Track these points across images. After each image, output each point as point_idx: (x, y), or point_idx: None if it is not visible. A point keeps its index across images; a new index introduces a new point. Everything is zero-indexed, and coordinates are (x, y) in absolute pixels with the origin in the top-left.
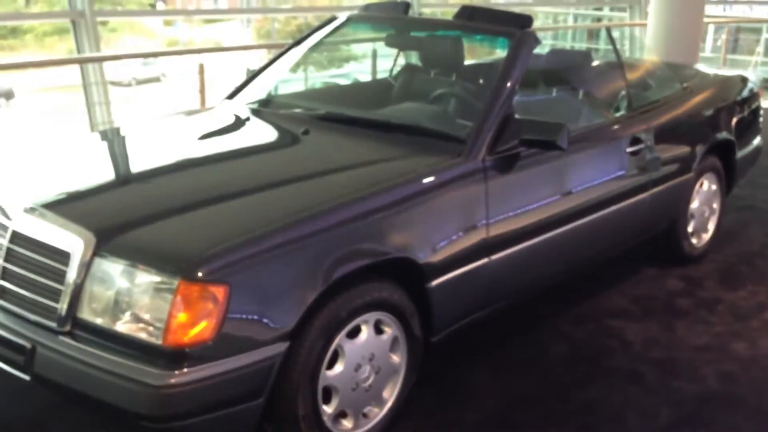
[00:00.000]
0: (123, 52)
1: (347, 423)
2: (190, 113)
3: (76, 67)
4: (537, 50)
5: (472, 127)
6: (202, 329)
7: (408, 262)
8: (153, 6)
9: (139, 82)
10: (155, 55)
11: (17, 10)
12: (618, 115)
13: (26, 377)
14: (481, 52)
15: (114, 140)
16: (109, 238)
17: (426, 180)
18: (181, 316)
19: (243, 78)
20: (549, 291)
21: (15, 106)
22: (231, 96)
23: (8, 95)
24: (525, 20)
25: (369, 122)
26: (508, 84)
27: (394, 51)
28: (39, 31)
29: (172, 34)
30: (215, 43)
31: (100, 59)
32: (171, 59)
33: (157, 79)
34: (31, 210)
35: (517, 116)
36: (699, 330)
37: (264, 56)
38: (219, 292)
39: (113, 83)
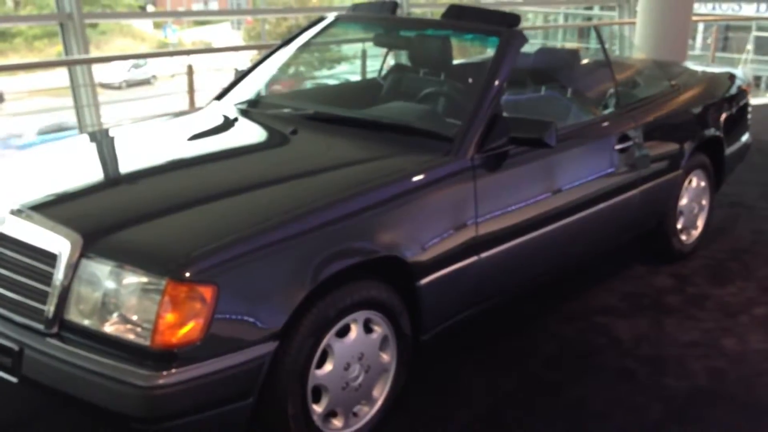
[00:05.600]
0: (113, 54)
1: (337, 422)
2: (178, 114)
3: (65, 70)
4: (526, 49)
5: (460, 126)
6: (190, 329)
7: (396, 260)
8: (142, 8)
9: (130, 85)
10: (145, 56)
11: (5, 13)
12: (606, 112)
13: (14, 379)
14: (470, 52)
15: (101, 142)
16: (96, 240)
17: (414, 179)
18: (169, 317)
19: (232, 79)
20: (538, 289)
21: (4, 109)
22: (219, 97)
23: None
24: (512, 19)
25: (357, 121)
26: (496, 82)
27: (383, 51)
28: (28, 35)
29: (162, 36)
30: (205, 44)
31: (89, 61)
32: (161, 62)
33: (147, 82)
34: (18, 212)
35: (505, 114)
36: (688, 326)
37: (254, 57)
38: (207, 292)
39: (103, 86)
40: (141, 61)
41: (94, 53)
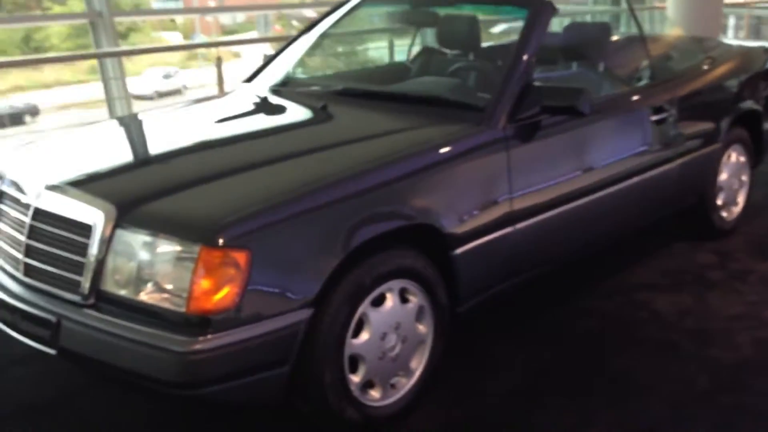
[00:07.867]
0: (143, 65)
1: (375, 393)
2: (208, 98)
3: (96, 85)
4: (555, 27)
5: (491, 96)
6: (225, 295)
7: (431, 228)
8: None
9: (161, 95)
10: (175, 49)
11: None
12: (640, 85)
13: (52, 351)
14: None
15: (134, 123)
16: (129, 210)
17: (446, 148)
18: (204, 283)
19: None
20: (576, 263)
21: (40, 121)
22: (249, 79)
23: (33, 112)
24: None
25: (387, 95)
26: (527, 52)
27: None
28: (61, 48)
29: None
30: (233, 54)
31: (119, 54)
32: (190, 73)
33: (178, 92)
34: (53, 187)
35: (537, 83)
36: (732, 300)
37: None
38: (240, 257)
39: (136, 97)
40: (171, 72)
41: (125, 65)
